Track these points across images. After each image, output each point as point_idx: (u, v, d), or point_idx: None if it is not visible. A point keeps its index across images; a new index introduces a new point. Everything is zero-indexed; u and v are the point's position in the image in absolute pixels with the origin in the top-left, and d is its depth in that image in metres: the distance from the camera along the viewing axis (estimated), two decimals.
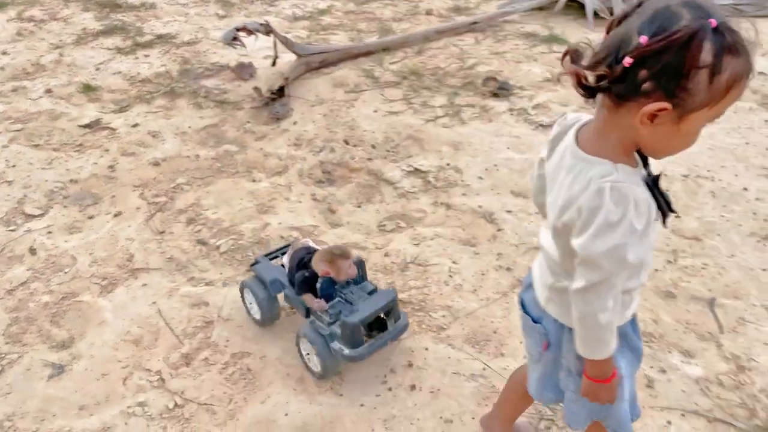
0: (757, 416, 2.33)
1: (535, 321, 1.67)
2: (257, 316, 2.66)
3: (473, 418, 2.34)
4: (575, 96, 4.48)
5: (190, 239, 3.22)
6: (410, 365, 2.55)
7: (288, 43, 4.68)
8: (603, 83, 1.26)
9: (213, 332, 2.68)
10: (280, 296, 2.61)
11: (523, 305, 1.72)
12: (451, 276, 2.99)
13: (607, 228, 1.31)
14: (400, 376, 2.51)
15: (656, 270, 2.98)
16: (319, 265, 2.41)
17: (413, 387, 2.46)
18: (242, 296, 2.70)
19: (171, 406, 2.36)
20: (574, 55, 1.31)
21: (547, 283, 1.60)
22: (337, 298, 2.45)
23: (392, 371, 2.52)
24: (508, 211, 3.39)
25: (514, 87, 4.57)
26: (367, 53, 5.11)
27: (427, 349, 2.62)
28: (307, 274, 2.44)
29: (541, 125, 4.11)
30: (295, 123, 4.19)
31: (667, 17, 1.18)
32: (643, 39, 1.18)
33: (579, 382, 1.59)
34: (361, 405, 2.40)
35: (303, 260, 2.50)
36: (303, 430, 2.30)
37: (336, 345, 2.36)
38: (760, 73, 4.53)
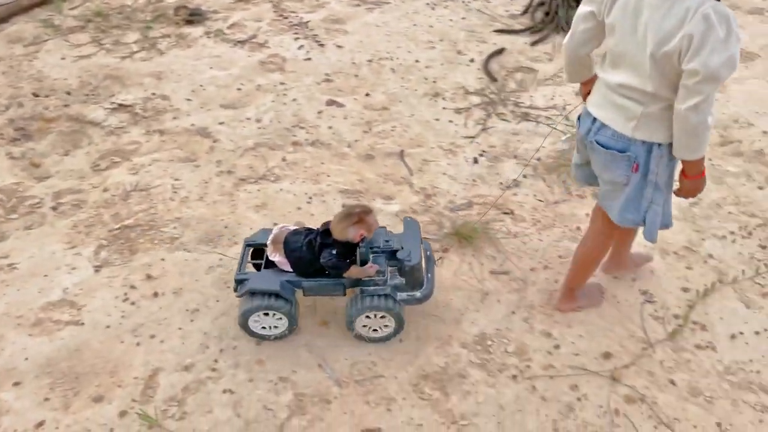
0: (444, 227, 2.90)
1: (621, 152, 1.96)
2: (284, 328, 2.32)
3: (218, 301, 2.54)
4: (266, 12, 4.67)
5: None
6: (149, 277, 2.63)
7: None
8: None
9: None
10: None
11: (602, 144, 2.00)
12: (175, 192, 3.08)
13: (720, 44, 1.66)
14: (140, 290, 2.58)
15: (356, 140, 3.42)
16: (347, 232, 2.14)
17: (156, 294, 2.57)
18: (247, 327, 2.31)
19: None
20: None
21: (634, 115, 1.90)
22: (372, 255, 2.29)
23: (132, 287, 2.59)
24: (221, 123, 3.54)
25: (207, 12, 4.61)
26: (42, 3, 4.68)
27: (163, 259, 2.72)
28: (335, 250, 2.16)
29: (239, 42, 4.27)
30: None
31: None
32: None
33: (664, 194, 2.02)
34: (107, 326, 2.44)
35: (312, 243, 2.21)
36: (48, 365, 2.28)
37: (403, 295, 2.27)
38: None
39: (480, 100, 3.71)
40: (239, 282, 2.29)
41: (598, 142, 2.02)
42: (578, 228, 2.86)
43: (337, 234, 2.17)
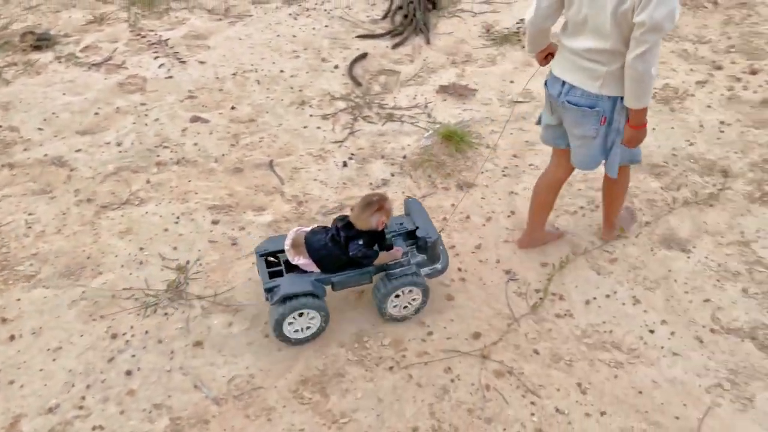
0: None
1: (590, 107, 2.26)
2: (316, 327, 2.38)
3: (82, 336, 2.42)
4: (122, 32, 4.49)
5: None
6: (4, 321, 2.47)
7: None
8: None
9: None
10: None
11: (573, 103, 2.29)
12: (30, 227, 2.90)
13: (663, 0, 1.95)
14: None
15: (223, 155, 3.38)
16: (371, 221, 2.25)
17: (12, 337, 2.41)
18: (282, 335, 2.33)
19: None
20: None
21: (599, 75, 2.20)
22: (390, 239, 2.44)
23: None
24: (78, 150, 3.37)
25: (57, 36, 4.38)
26: None
27: (19, 299, 2.55)
28: (361, 241, 2.26)
29: (94, 65, 4.08)
30: None
31: None
32: None
33: (621, 137, 2.31)
34: None
35: (335, 238, 2.30)
36: None
37: (426, 270, 2.44)
38: None
39: (346, 105, 3.77)
40: (269, 290, 2.29)
41: (569, 102, 2.32)
42: (444, 219, 2.98)
43: (361, 224, 2.26)
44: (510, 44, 4.32)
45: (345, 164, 3.33)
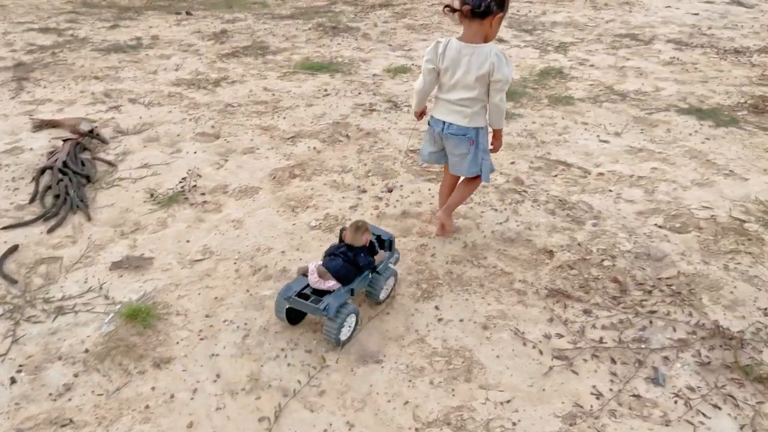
0: None
1: (463, 135, 3.57)
2: (353, 326, 3.19)
3: None
4: None
5: None
6: None
7: None
8: (479, 11, 3.26)
9: None
10: None
11: (453, 134, 3.58)
12: None
13: (506, 64, 3.35)
14: None
15: None
16: (362, 239, 3.25)
17: None
18: (339, 339, 3.10)
19: None
20: (452, 4, 3.31)
21: (466, 114, 3.51)
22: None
23: None
24: None
25: None
26: None
27: None
28: (363, 254, 3.23)
29: None
30: None
31: None
32: None
33: (487, 154, 3.68)
34: None
35: (346, 259, 3.19)
36: None
37: (392, 260, 3.53)
38: None
39: (2, 310, 3.30)
40: (325, 309, 2.99)
41: (450, 133, 3.59)
42: (147, 407, 2.77)
43: (357, 242, 3.24)
44: (178, 204, 4.39)
45: (13, 381, 2.87)
